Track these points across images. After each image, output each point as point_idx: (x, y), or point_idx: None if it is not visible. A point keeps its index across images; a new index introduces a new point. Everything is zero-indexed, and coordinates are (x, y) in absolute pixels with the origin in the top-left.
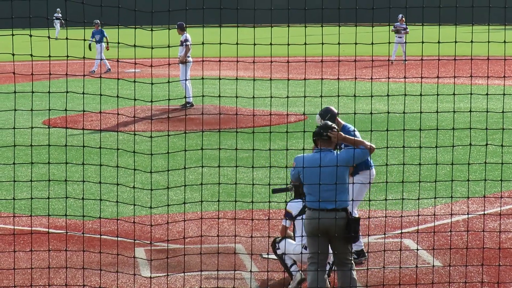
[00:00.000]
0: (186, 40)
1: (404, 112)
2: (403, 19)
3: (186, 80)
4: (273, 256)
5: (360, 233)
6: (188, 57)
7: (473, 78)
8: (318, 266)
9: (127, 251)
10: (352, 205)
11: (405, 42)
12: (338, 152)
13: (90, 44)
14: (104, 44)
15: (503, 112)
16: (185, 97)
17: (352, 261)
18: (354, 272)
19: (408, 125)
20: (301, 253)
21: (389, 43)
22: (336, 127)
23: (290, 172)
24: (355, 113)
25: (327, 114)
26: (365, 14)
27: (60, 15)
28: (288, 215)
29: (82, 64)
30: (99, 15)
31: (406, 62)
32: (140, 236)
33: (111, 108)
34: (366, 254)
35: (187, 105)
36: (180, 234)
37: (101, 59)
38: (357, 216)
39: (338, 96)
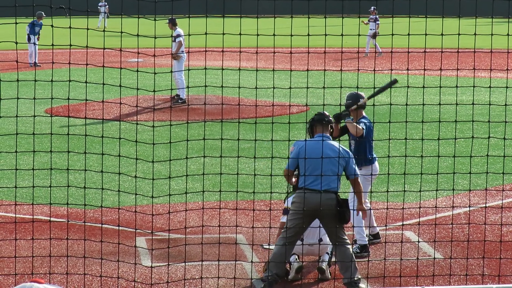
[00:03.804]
0: (178, 36)
1: (406, 104)
2: (375, 11)
3: (178, 71)
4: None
5: (364, 228)
6: (182, 52)
7: (476, 70)
8: (286, 241)
9: (128, 241)
10: (354, 199)
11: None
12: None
13: (29, 35)
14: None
15: (505, 105)
16: (178, 89)
17: (347, 239)
18: (351, 248)
19: (411, 117)
20: (302, 244)
21: (392, 34)
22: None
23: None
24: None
25: (351, 98)
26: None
27: (105, 2)
28: (287, 212)
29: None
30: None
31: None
32: (141, 225)
33: (113, 97)
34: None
35: (179, 100)
36: (181, 224)
37: (34, 50)
38: (369, 206)
39: (341, 87)
